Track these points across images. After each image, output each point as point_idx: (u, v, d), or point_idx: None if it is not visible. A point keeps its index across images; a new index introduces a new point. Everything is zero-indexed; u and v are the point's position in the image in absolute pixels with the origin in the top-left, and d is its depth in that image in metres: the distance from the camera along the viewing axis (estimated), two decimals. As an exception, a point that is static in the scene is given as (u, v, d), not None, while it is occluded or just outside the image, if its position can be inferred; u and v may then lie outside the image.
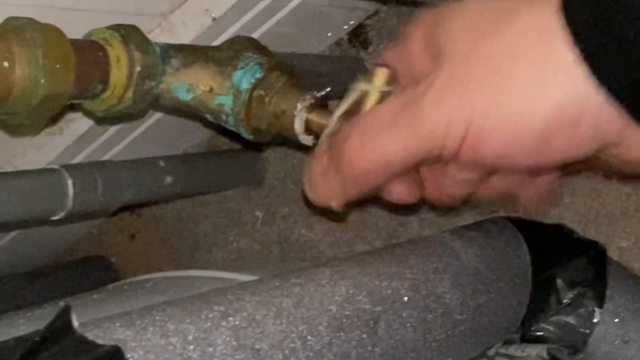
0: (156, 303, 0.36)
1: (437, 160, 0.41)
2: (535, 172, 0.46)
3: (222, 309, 0.35)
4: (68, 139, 0.77)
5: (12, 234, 0.91)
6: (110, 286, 0.69)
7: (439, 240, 0.56)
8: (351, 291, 0.43)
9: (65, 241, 1.05)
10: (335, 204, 0.43)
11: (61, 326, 0.30)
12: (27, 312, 0.58)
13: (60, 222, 0.70)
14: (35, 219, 0.67)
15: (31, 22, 0.50)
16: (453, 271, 0.53)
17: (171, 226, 1.02)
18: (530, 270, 0.62)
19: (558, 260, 0.65)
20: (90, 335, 0.30)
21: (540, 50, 0.36)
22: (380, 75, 0.47)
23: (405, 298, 0.47)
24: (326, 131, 0.50)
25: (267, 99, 0.60)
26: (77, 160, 0.79)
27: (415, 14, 0.85)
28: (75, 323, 0.30)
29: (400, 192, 0.45)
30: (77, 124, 0.77)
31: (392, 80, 0.47)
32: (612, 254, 0.73)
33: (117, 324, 0.32)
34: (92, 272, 1.01)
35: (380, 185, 0.44)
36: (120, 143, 0.83)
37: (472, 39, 0.38)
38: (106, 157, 0.82)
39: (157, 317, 0.33)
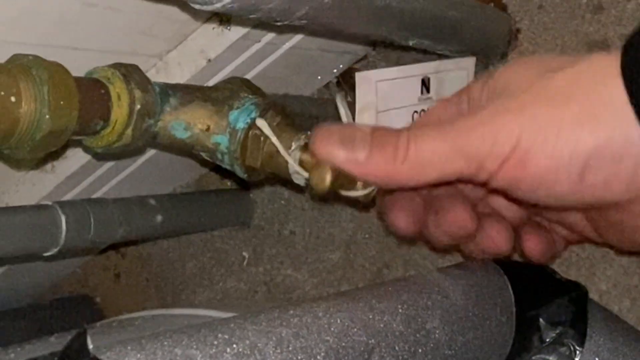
0: (161, 331, 0.37)
1: (470, 181, 0.42)
2: (558, 214, 0.47)
3: (226, 336, 0.37)
4: (60, 176, 0.78)
5: (0, 271, 0.91)
6: (98, 324, 0.70)
7: (429, 278, 0.58)
8: (346, 324, 0.45)
9: (49, 280, 1.05)
10: (350, 170, 0.42)
11: (78, 349, 0.30)
12: (16, 347, 0.58)
13: (51, 258, 0.70)
14: (28, 255, 0.68)
15: (37, 59, 0.51)
16: (442, 308, 0.55)
17: (157, 266, 1.02)
18: (514, 309, 0.63)
19: (541, 300, 0.66)
20: (104, 358, 0.31)
21: (595, 90, 0.37)
22: None
23: (397, 332, 0.49)
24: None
25: (262, 139, 0.61)
26: (68, 197, 0.80)
27: (407, 59, 0.88)
28: (90, 346, 0.31)
29: (401, 221, 0.47)
30: (70, 161, 0.78)
31: None
32: (592, 296, 0.75)
33: (129, 348, 0.33)
34: (77, 311, 1.01)
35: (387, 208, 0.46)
36: (111, 181, 0.84)
37: (532, 77, 0.39)
38: (97, 194, 0.83)
39: (165, 343, 0.34)
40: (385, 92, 0.69)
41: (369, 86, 0.67)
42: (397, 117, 0.70)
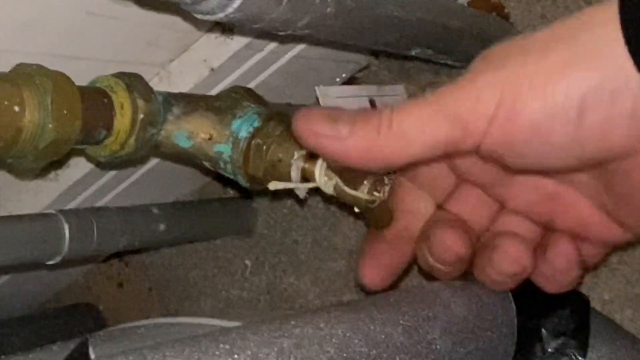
0: (163, 341, 0.37)
1: (458, 152, 0.39)
2: (563, 175, 0.44)
3: (227, 346, 0.37)
4: (63, 184, 0.79)
5: (1, 280, 0.91)
6: (101, 332, 0.70)
7: (430, 289, 0.58)
8: (348, 334, 0.45)
9: (52, 288, 1.05)
10: (329, 150, 0.41)
11: (79, 358, 0.31)
12: (19, 356, 0.59)
13: (55, 266, 0.71)
14: (31, 263, 0.68)
15: (40, 69, 0.52)
16: (443, 319, 0.55)
17: (160, 274, 1.02)
18: (515, 320, 0.63)
19: (543, 310, 0.66)
20: (105, 368, 0.31)
21: (585, 32, 0.35)
22: None
23: (399, 343, 0.49)
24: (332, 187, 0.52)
25: (264, 148, 0.61)
26: (71, 206, 0.80)
27: (409, 68, 0.88)
28: (92, 356, 0.31)
29: (371, 274, 0.46)
30: (73, 170, 0.78)
31: None
32: (595, 305, 0.75)
33: (131, 358, 0.33)
34: (80, 320, 1.01)
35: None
36: (113, 190, 0.84)
37: (517, 39, 0.38)
38: (100, 203, 0.83)
39: (167, 353, 0.34)
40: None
41: (331, 101, 0.68)
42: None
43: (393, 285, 0.50)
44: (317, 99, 0.57)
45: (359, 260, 0.49)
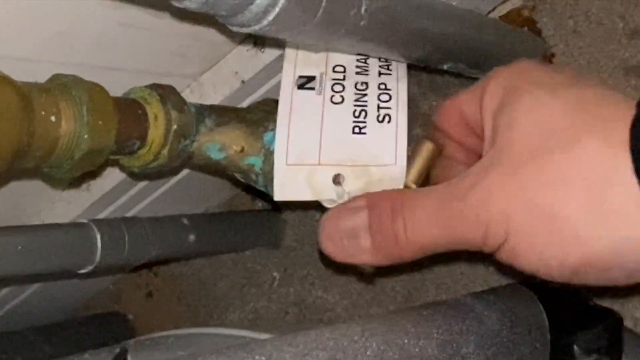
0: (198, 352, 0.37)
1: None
2: None
3: (263, 358, 0.37)
4: (95, 194, 0.79)
5: (33, 287, 0.92)
6: (132, 341, 0.70)
7: (462, 303, 0.57)
8: (382, 347, 0.44)
9: (82, 297, 1.06)
10: (359, 262, 0.45)
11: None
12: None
13: (86, 275, 0.71)
14: (63, 272, 0.68)
15: (76, 79, 0.52)
16: (477, 333, 0.54)
17: (189, 285, 1.03)
18: (548, 336, 0.62)
19: (575, 327, 0.65)
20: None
21: (601, 187, 0.35)
22: (426, 149, 0.49)
23: (433, 357, 0.48)
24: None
25: (295, 160, 0.61)
26: (102, 215, 0.81)
27: (440, 83, 0.88)
28: (130, 365, 0.31)
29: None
30: (105, 180, 0.79)
31: (437, 153, 0.49)
32: (627, 323, 0.74)
33: (168, 369, 0.33)
34: (109, 328, 1.01)
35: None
36: (144, 200, 0.84)
37: (532, 148, 0.37)
38: (131, 213, 0.83)
39: (203, 364, 0.34)
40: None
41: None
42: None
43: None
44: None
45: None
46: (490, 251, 0.40)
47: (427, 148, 0.49)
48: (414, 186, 0.52)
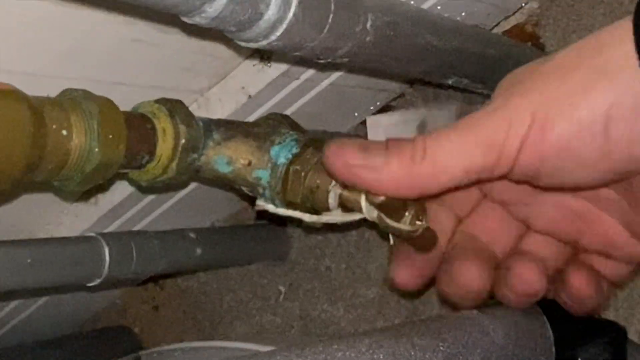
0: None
1: (490, 178, 0.41)
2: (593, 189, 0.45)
3: (271, 369, 0.37)
4: (103, 208, 0.80)
5: (41, 301, 0.92)
6: (141, 353, 0.70)
7: (469, 316, 0.58)
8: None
9: (89, 311, 1.06)
10: (363, 182, 0.41)
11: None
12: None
13: (93, 288, 0.72)
14: (71, 285, 0.69)
15: (87, 94, 0.53)
16: (483, 346, 0.54)
17: (195, 298, 1.03)
18: (553, 349, 0.63)
19: (579, 340, 0.66)
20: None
21: (601, 53, 0.38)
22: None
23: (439, 370, 0.49)
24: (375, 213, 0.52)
25: (302, 174, 0.62)
26: (110, 229, 0.82)
27: (440, 97, 0.88)
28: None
29: (402, 275, 0.47)
30: (112, 194, 0.80)
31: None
32: (632, 337, 0.74)
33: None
34: (115, 342, 1.02)
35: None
36: (151, 214, 0.85)
37: (538, 62, 0.40)
38: (138, 227, 0.84)
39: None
40: (391, 134, 0.71)
41: (378, 129, 0.69)
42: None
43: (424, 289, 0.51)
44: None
45: (390, 261, 0.49)
46: (513, 147, 0.39)
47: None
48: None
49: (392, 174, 0.40)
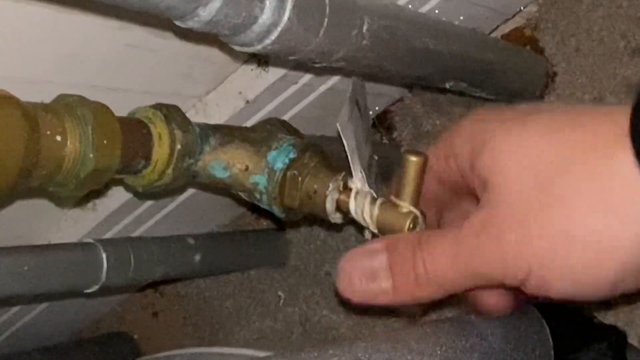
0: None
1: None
2: None
3: (266, 375, 0.37)
4: (101, 214, 0.80)
5: (39, 308, 0.92)
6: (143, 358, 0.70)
7: (466, 320, 0.57)
8: (385, 364, 0.45)
9: (88, 317, 1.06)
10: (378, 303, 0.44)
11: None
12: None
13: (92, 295, 0.71)
14: (69, 291, 0.69)
15: (81, 100, 0.53)
16: (480, 351, 0.54)
17: (194, 305, 1.03)
18: (552, 353, 0.62)
19: (579, 344, 0.65)
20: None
21: (609, 199, 0.35)
22: (412, 165, 0.49)
23: (436, 374, 0.48)
24: (369, 218, 0.53)
25: (300, 179, 0.62)
26: (108, 235, 0.81)
27: (443, 102, 0.88)
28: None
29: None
30: (111, 199, 0.80)
31: (424, 165, 0.49)
32: (632, 341, 0.74)
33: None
34: (115, 349, 1.02)
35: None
36: (150, 220, 0.85)
37: (529, 188, 0.38)
38: (137, 233, 0.84)
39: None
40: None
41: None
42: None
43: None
44: (338, 133, 0.58)
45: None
46: (515, 285, 0.39)
47: (412, 163, 0.49)
48: (412, 208, 0.51)
49: (401, 297, 0.43)
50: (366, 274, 0.43)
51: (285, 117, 0.79)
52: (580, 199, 0.36)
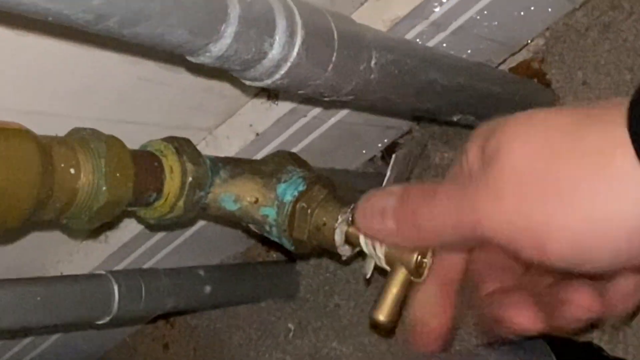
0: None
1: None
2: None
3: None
4: (113, 246, 0.80)
5: (52, 339, 0.92)
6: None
7: (476, 353, 0.58)
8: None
9: (100, 349, 1.06)
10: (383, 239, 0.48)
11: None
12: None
13: (103, 326, 0.72)
14: (81, 323, 0.69)
15: (95, 133, 0.53)
16: (489, 382, 0.54)
17: (204, 336, 1.03)
18: (562, 385, 0.62)
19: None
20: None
21: (608, 165, 0.36)
22: (399, 277, 0.50)
23: (444, 405, 0.49)
24: (379, 251, 0.53)
25: (309, 211, 0.62)
26: (119, 267, 0.82)
27: (447, 134, 0.89)
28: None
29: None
30: (122, 232, 0.80)
31: (410, 280, 0.51)
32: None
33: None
34: (125, 380, 1.02)
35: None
36: (161, 252, 0.85)
37: (532, 157, 0.38)
38: (148, 265, 0.84)
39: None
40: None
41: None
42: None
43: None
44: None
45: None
46: (511, 246, 0.39)
47: (400, 275, 0.51)
48: (384, 319, 0.52)
49: (403, 240, 0.46)
50: (379, 211, 0.46)
51: (295, 150, 0.80)
52: (584, 177, 0.37)
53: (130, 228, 0.80)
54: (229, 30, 0.46)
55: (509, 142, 0.39)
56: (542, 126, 0.39)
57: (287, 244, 0.64)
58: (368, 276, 0.58)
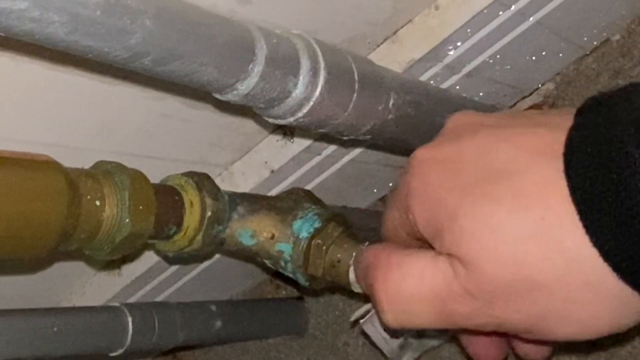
0: None
1: None
2: None
3: None
4: (126, 278, 0.81)
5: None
6: None
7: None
8: None
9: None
10: None
11: None
12: None
13: (116, 359, 0.72)
14: (95, 354, 0.70)
15: (119, 166, 0.55)
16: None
17: (212, 372, 1.03)
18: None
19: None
20: None
21: (543, 205, 0.37)
22: None
23: None
24: None
25: (324, 248, 0.63)
26: (132, 300, 0.83)
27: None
28: None
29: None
30: (136, 264, 0.81)
31: None
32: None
33: None
34: (132, 414, 1.02)
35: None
36: (173, 285, 0.86)
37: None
38: (160, 297, 0.85)
39: None
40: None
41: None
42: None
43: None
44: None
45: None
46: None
47: None
48: None
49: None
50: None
51: (309, 187, 0.81)
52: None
53: (144, 261, 0.80)
54: (256, 70, 0.48)
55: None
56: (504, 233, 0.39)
57: (302, 280, 0.65)
58: (352, 319, 0.60)
